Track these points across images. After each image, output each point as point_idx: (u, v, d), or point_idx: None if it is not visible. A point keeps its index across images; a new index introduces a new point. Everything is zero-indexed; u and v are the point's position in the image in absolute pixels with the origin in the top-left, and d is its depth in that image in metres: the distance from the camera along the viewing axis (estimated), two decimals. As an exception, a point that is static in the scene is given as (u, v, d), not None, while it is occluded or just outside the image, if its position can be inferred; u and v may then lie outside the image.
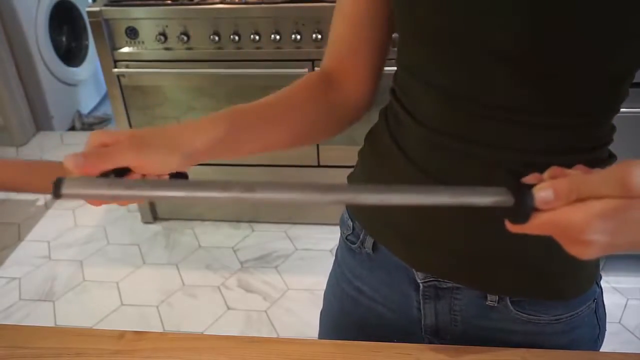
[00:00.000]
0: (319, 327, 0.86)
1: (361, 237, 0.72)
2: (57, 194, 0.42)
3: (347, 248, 0.76)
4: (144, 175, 0.51)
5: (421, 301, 0.69)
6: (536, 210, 0.41)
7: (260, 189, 0.41)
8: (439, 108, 0.58)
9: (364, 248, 0.72)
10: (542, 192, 0.40)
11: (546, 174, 0.43)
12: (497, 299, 0.65)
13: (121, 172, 0.49)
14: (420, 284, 0.68)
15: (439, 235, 0.63)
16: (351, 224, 0.74)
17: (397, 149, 0.64)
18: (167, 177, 0.53)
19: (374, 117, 0.73)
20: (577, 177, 0.40)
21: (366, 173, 0.72)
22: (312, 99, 0.65)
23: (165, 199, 0.43)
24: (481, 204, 0.42)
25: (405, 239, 0.66)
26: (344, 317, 0.79)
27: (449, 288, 0.67)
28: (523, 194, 0.41)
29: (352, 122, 0.69)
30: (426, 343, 0.74)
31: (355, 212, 0.74)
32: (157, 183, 0.45)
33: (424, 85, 0.59)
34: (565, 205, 0.40)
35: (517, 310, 0.65)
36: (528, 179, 0.43)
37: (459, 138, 0.58)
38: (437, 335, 0.72)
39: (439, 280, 0.67)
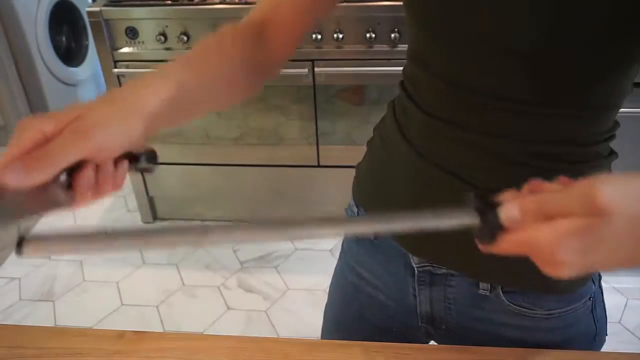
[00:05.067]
0: (323, 321, 0.87)
1: None
2: (19, 252, 0.39)
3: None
4: (99, 166, 0.43)
5: (416, 287, 0.71)
6: (504, 230, 0.40)
7: (212, 232, 0.40)
8: (442, 96, 0.59)
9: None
10: (508, 211, 0.40)
11: (525, 188, 0.42)
12: (489, 287, 0.66)
13: (73, 169, 0.42)
14: (416, 269, 0.69)
15: None
16: (356, 210, 0.75)
17: (401, 137, 0.65)
18: (127, 163, 0.46)
19: (375, 119, 0.73)
20: (545, 195, 0.40)
21: (373, 162, 0.73)
22: (244, 53, 0.60)
23: (124, 249, 0.40)
24: (448, 226, 0.41)
25: None
26: (345, 306, 0.81)
27: (443, 274, 0.68)
28: (488, 213, 0.40)
29: (270, 77, 0.66)
30: (423, 332, 0.75)
31: (359, 197, 0.75)
32: (116, 233, 0.40)
33: (429, 75, 0.60)
34: (532, 224, 0.39)
35: (509, 302, 0.66)
36: (502, 197, 0.42)
37: (460, 126, 0.58)
38: (432, 324, 0.73)
39: (434, 266, 0.68)
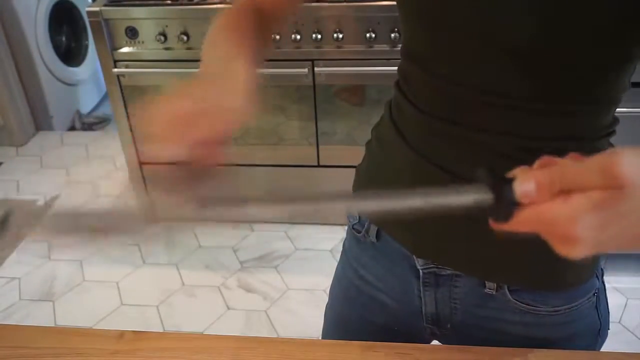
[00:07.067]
0: (323, 323, 0.87)
1: (366, 225, 0.74)
2: None
3: (353, 237, 0.77)
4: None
5: (421, 289, 0.70)
6: (519, 205, 0.38)
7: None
8: (438, 94, 0.59)
9: (369, 237, 0.74)
10: (523, 185, 0.38)
11: (536, 164, 0.40)
12: (495, 287, 0.66)
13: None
14: (421, 271, 0.69)
15: (438, 222, 0.64)
16: (357, 214, 0.75)
17: (398, 136, 0.65)
18: None
19: (375, 119, 0.73)
20: (560, 167, 0.38)
21: (371, 164, 0.73)
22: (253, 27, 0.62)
23: None
24: (459, 204, 0.39)
25: (406, 226, 0.68)
26: (347, 307, 0.80)
27: (448, 275, 0.68)
28: (502, 188, 0.38)
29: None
30: (427, 332, 0.75)
31: None
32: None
33: (424, 72, 0.60)
34: (549, 198, 0.37)
35: (515, 300, 0.66)
36: (514, 172, 0.40)
37: (457, 124, 0.58)
38: (437, 324, 0.73)
39: (439, 267, 0.68)
